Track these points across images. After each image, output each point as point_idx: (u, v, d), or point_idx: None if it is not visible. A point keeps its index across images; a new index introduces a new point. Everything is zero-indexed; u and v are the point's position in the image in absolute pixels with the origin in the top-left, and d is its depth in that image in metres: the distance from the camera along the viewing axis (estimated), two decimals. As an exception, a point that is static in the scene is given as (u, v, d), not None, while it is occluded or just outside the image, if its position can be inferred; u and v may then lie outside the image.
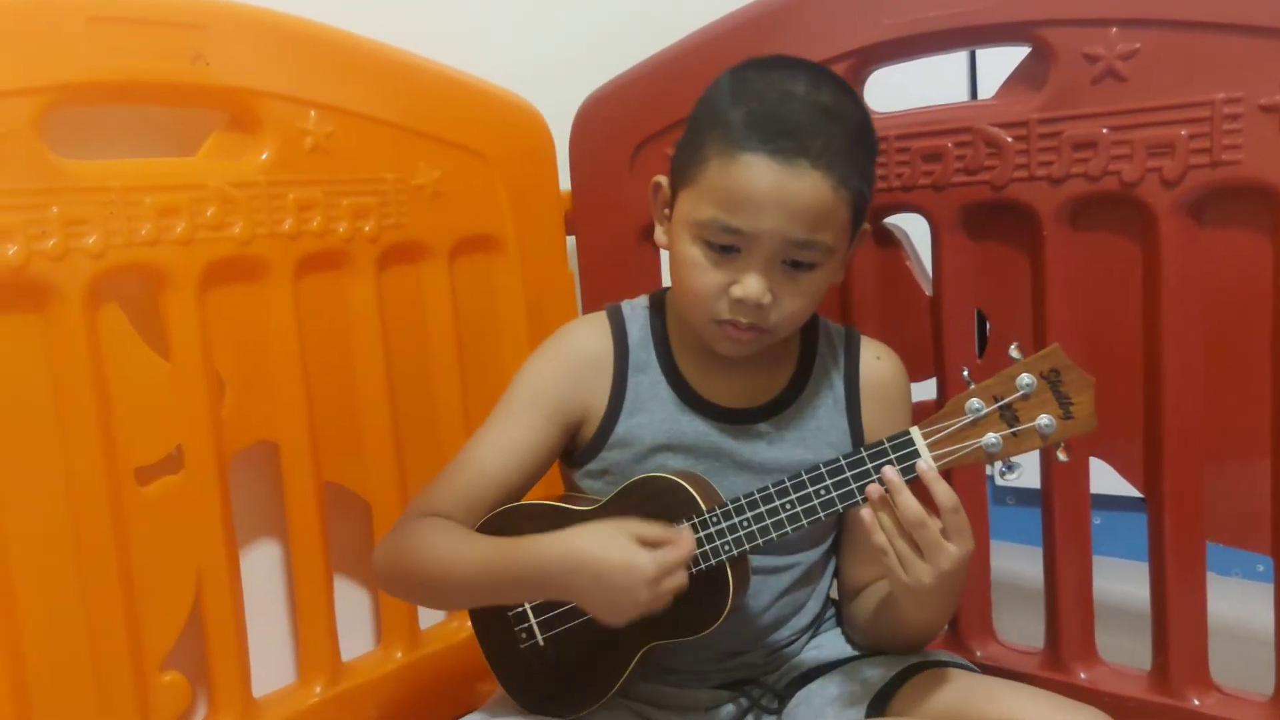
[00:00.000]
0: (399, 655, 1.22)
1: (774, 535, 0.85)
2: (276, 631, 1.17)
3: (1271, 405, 0.95)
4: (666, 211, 0.93)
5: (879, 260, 1.15)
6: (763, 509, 0.85)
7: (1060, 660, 1.09)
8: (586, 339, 0.98)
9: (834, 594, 1.04)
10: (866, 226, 0.94)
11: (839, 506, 0.84)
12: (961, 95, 1.82)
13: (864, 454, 0.83)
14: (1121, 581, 1.25)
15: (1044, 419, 0.79)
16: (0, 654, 0.91)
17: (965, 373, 0.83)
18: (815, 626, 1.01)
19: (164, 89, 1.00)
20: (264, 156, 1.06)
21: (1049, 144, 1.00)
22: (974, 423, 0.81)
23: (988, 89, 1.22)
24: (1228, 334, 0.96)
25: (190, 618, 1.04)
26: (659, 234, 0.95)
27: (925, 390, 1.12)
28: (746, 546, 0.85)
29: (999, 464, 0.82)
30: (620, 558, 0.80)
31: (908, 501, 0.80)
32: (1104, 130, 0.97)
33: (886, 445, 0.82)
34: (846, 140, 0.85)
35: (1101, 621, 1.09)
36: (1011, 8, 1.00)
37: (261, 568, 1.15)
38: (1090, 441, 1.05)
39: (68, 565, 0.95)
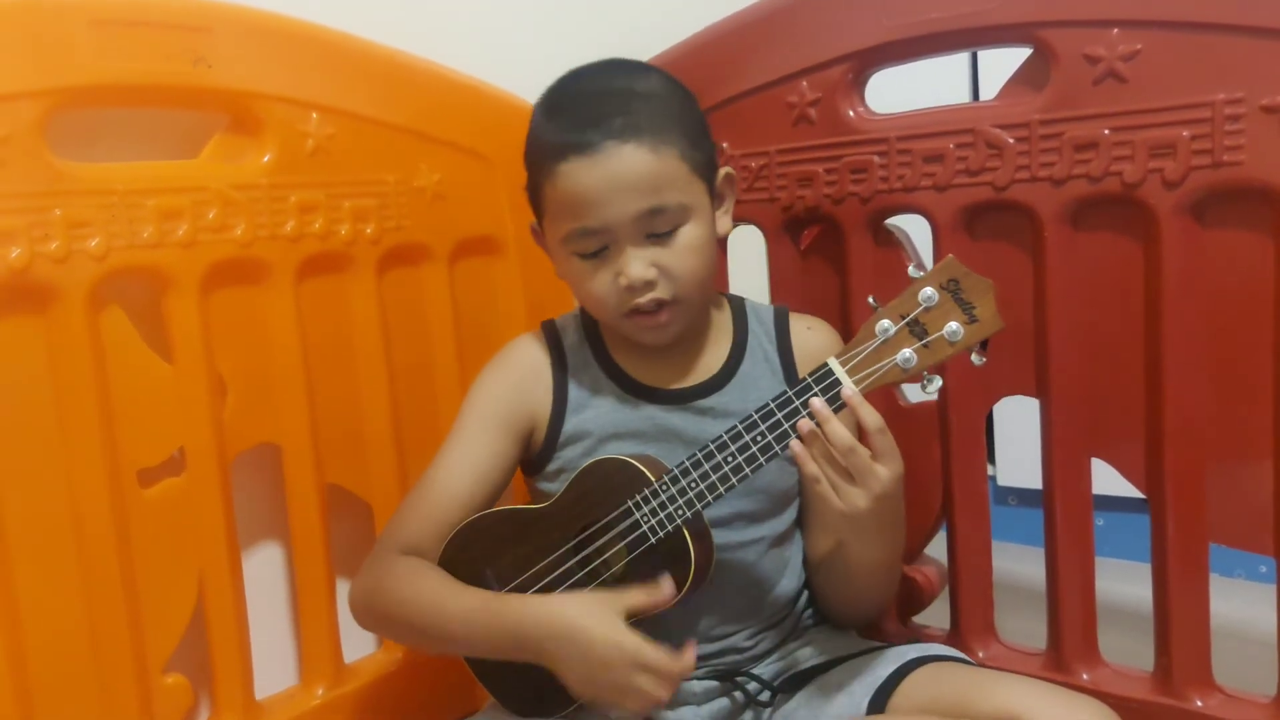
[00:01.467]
0: (400, 657, 1.22)
1: (721, 490, 0.86)
2: (278, 634, 1.17)
3: (1274, 406, 0.95)
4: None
5: (880, 261, 1.15)
6: (706, 466, 0.87)
7: (1062, 661, 1.09)
8: (523, 352, 1.02)
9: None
10: (729, 171, 0.97)
11: (776, 448, 0.85)
12: (963, 96, 1.83)
13: (789, 393, 0.85)
14: (1124, 582, 1.25)
15: (951, 325, 0.82)
16: (3, 656, 0.91)
17: (871, 299, 0.85)
18: (797, 610, 1.02)
19: (166, 92, 1.01)
20: (265, 159, 1.07)
21: (1050, 145, 1.00)
22: (886, 343, 0.83)
23: (989, 90, 1.22)
24: (1230, 335, 0.96)
25: (192, 620, 1.04)
26: (558, 271, 0.98)
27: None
28: (698, 505, 0.87)
29: (922, 382, 0.84)
30: (604, 633, 0.82)
31: (836, 429, 0.82)
32: (1105, 131, 0.97)
33: (809, 380, 0.85)
34: (649, 108, 0.90)
35: (1104, 622, 1.08)
36: (1013, 9, 1.00)
37: (263, 570, 1.16)
38: (1092, 442, 1.05)
39: (70, 568, 0.95)
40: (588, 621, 0.83)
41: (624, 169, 0.87)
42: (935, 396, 0.88)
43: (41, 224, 0.91)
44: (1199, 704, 1.01)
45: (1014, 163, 1.02)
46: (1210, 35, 0.91)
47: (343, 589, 1.17)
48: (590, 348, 1.01)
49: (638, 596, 0.85)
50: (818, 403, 0.83)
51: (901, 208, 1.12)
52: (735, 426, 0.86)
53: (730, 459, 0.86)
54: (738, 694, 0.96)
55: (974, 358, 0.84)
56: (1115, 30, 0.95)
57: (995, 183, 1.04)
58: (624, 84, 0.92)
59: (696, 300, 0.94)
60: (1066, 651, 1.08)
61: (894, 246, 1.15)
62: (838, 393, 0.83)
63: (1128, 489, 1.04)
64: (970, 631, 1.15)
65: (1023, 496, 1.89)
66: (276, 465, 1.11)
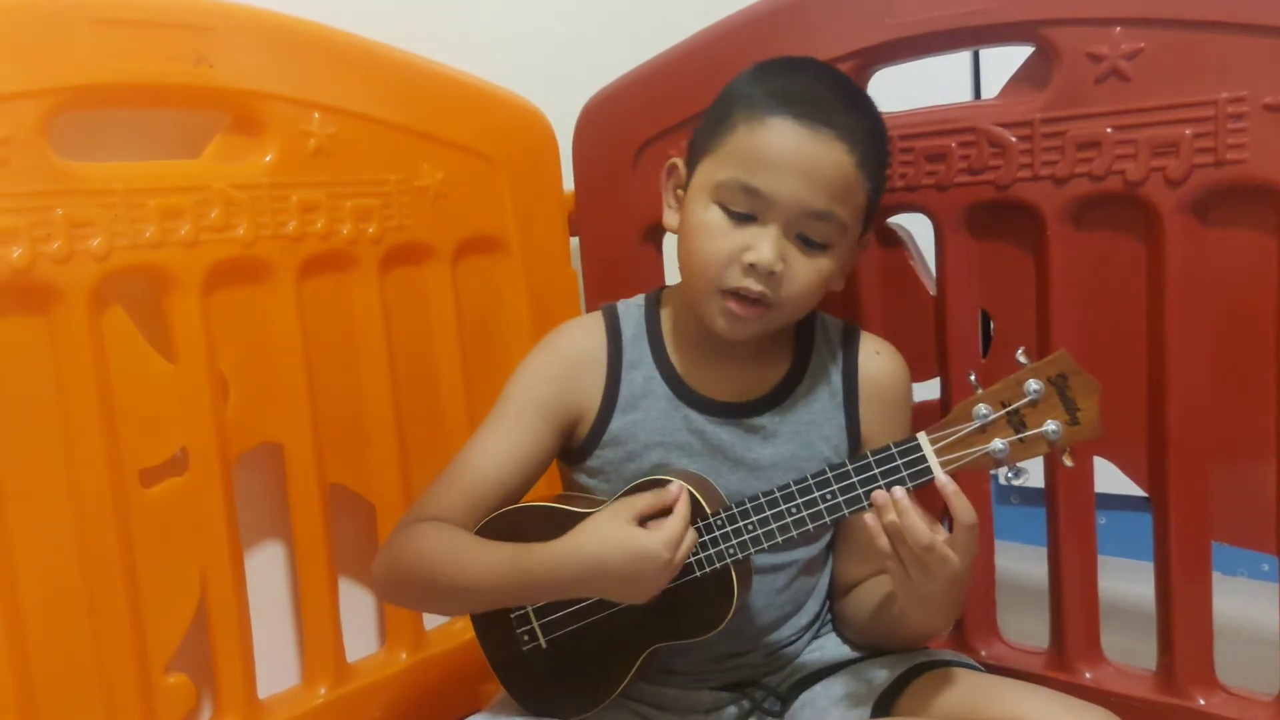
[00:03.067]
0: (403, 656, 1.22)
1: (779, 539, 0.85)
2: (281, 633, 1.17)
3: (1276, 404, 0.95)
4: (679, 191, 0.94)
5: (883, 260, 1.15)
6: (768, 513, 0.84)
7: (1065, 660, 1.09)
8: (579, 338, 0.98)
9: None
10: (869, 237, 0.95)
11: (845, 512, 0.83)
12: (965, 95, 1.82)
13: (871, 460, 0.82)
14: (1126, 581, 1.25)
15: (1051, 425, 0.79)
16: (6, 656, 0.91)
17: (972, 376, 0.82)
18: (816, 626, 1.01)
19: (168, 91, 1.01)
20: (267, 158, 1.07)
21: (1053, 144, 1.00)
22: (981, 429, 0.80)
23: (991, 89, 1.21)
24: (1232, 333, 0.96)
25: (195, 619, 1.04)
26: (668, 216, 0.95)
27: (930, 390, 1.12)
28: (752, 550, 0.85)
29: (1005, 469, 0.81)
30: (630, 550, 0.81)
31: (915, 524, 0.79)
32: (1108, 130, 0.97)
33: (894, 451, 0.82)
34: (868, 127, 0.88)
35: (1106, 621, 1.08)
36: (1015, 7, 1.00)
37: (266, 569, 1.16)
38: (1095, 441, 1.04)
39: (73, 567, 0.95)
40: (603, 550, 0.82)
41: (826, 159, 0.85)
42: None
43: (43, 224, 0.91)
44: (1201, 702, 1.01)
45: (1016, 161, 1.02)
46: (1213, 34, 0.91)
47: (345, 588, 1.18)
48: (648, 343, 0.97)
49: (646, 499, 0.84)
50: (899, 492, 0.80)
51: (904, 206, 1.11)
52: (806, 480, 0.84)
53: (794, 511, 0.84)
54: (745, 702, 0.96)
55: (1065, 460, 0.81)
56: (1118, 29, 0.95)
57: (997, 181, 1.04)
58: (856, 95, 0.90)
59: (788, 319, 0.92)
60: (1069, 650, 1.08)
61: (896, 246, 1.15)
62: (923, 469, 0.81)
63: (1130, 487, 1.04)
64: (973, 630, 1.15)
65: (1025, 495, 1.88)
66: (279, 465, 1.11)
